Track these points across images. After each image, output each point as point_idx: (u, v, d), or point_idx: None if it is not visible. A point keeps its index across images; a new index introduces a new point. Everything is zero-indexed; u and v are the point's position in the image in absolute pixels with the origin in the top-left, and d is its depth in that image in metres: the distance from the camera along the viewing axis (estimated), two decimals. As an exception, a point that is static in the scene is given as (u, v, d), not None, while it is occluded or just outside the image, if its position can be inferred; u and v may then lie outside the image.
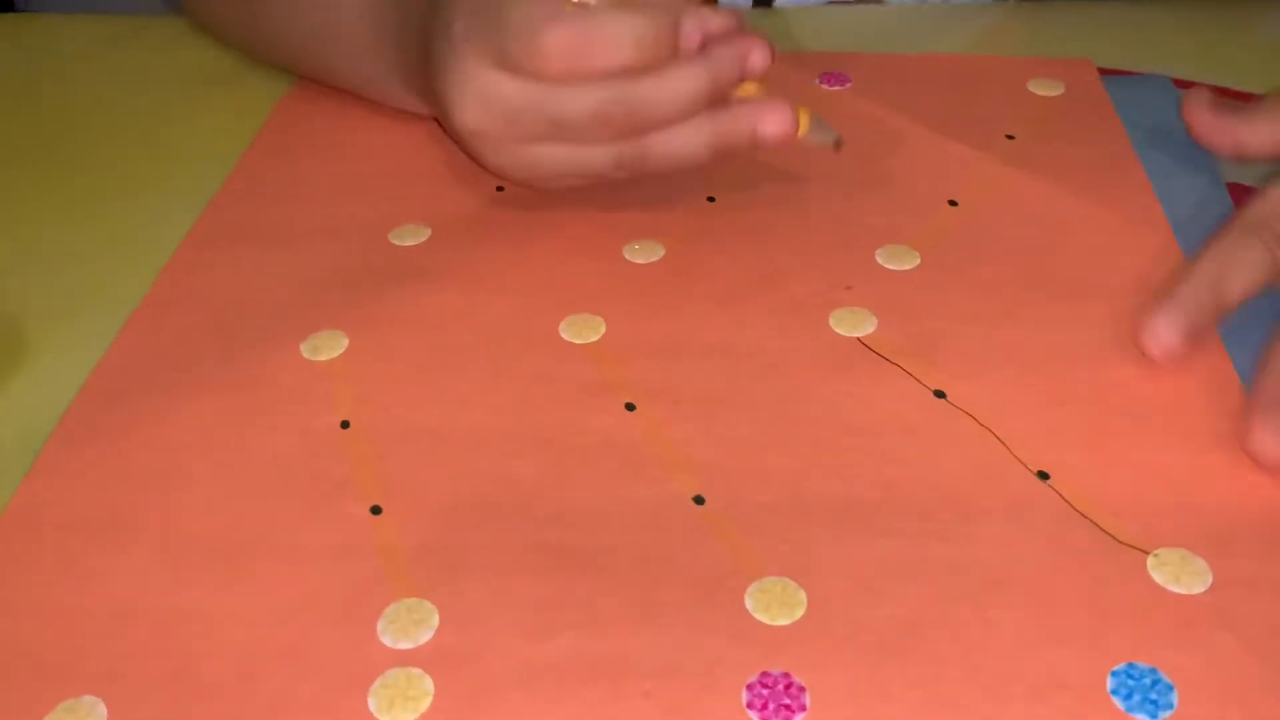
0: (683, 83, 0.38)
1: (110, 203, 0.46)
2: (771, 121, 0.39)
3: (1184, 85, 0.49)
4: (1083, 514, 0.31)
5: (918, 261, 0.40)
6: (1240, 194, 0.42)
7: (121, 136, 0.51)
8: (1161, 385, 0.35)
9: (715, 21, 0.39)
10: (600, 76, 0.38)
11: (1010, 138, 0.47)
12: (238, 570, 0.31)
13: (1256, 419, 0.32)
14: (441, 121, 0.43)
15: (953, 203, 0.43)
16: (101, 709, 0.28)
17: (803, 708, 0.27)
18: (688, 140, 0.39)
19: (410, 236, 0.43)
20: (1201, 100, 0.43)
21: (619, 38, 0.37)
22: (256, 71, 0.53)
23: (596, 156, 0.40)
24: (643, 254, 0.41)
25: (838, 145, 0.40)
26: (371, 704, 0.28)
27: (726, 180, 0.44)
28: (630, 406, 0.35)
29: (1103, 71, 0.50)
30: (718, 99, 0.39)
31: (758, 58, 0.39)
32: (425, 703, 0.28)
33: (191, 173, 0.47)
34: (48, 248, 0.44)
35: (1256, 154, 0.42)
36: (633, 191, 0.43)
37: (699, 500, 0.32)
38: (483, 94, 0.38)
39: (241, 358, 0.37)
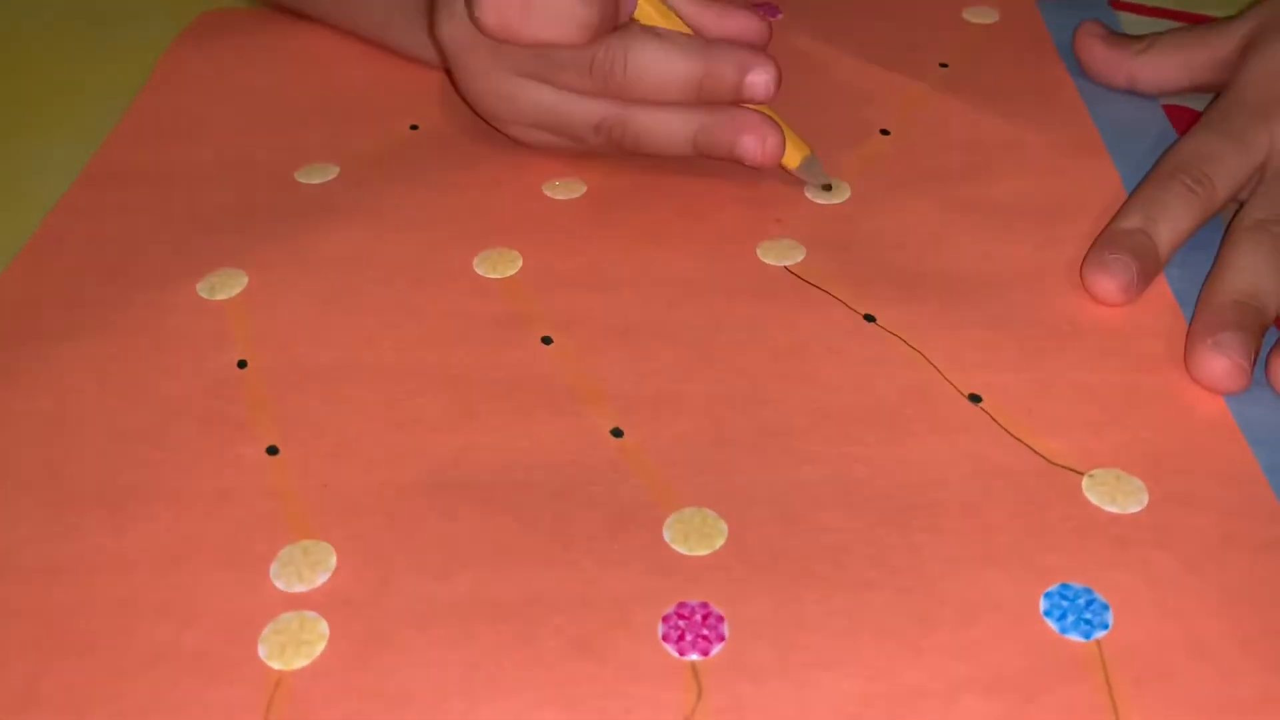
0: (672, 51, 0.36)
1: (-1, 145, 0.44)
2: (752, 139, 0.37)
3: (1121, 7, 0.48)
4: (1015, 436, 0.30)
5: (849, 191, 0.39)
6: (1176, 115, 0.41)
7: (12, 77, 0.48)
8: (1095, 307, 0.34)
9: (735, 22, 0.38)
10: (534, 47, 0.36)
11: (944, 66, 0.45)
12: (122, 517, 0.29)
13: (1201, 344, 0.31)
14: (434, 41, 0.41)
15: (885, 131, 0.42)
16: (-32, 666, 0.26)
17: (721, 638, 0.25)
18: (672, 125, 0.37)
19: (317, 175, 0.40)
20: (1093, 34, 0.43)
21: (559, 14, 0.35)
22: (152, 11, 0.51)
23: (578, 109, 0.38)
24: (563, 190, 0.40)
25: (827, 189, 0.39)
26: (262, 651, 0.26)
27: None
28: (547, 340, 0.34)
29: (1039, -8, 0.49)
30: (708, 95, 0.37)
31: (759, 80, 0.36)
32: (319, 647, 0.26)
33: (85, 114, 0.44)
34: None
35: (1148, 87, 0.42)
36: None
37: (617, 433, 0.31)
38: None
39: (133, 298, 0.35)
